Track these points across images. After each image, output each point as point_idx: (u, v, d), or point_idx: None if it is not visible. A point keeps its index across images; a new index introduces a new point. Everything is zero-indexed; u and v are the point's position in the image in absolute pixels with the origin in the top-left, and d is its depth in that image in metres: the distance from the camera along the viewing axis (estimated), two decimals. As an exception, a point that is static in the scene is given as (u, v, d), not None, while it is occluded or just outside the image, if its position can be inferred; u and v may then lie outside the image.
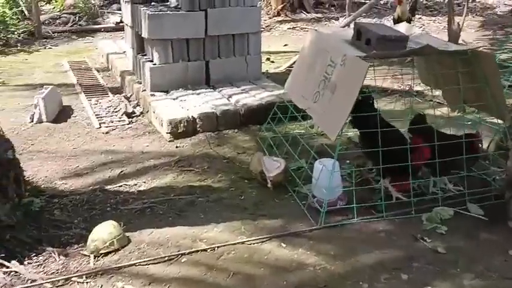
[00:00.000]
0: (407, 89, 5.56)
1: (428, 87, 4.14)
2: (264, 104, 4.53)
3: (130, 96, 5.30)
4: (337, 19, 9.88)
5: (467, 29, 7.19)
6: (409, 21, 7.31)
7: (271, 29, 9.27)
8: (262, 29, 9.21)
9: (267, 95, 4.78)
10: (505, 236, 2.83)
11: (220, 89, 4.95)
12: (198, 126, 4.30)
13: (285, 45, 7.92)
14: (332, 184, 3.05)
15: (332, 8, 11.03)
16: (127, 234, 2.84)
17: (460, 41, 7.01)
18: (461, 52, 2.95)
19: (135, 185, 3.50)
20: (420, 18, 9.61)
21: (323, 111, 3.15)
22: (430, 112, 4.64)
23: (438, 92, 4.19)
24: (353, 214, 2.99)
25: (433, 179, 3.30)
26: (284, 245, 2.77)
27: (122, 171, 3.71)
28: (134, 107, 4.96)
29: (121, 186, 3.48)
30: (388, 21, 9.14)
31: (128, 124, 4.64)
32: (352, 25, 7.13)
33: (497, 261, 2.62)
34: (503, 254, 2.67)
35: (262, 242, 2.81)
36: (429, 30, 8.87)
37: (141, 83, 5.16)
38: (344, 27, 6.74)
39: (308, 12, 10.55)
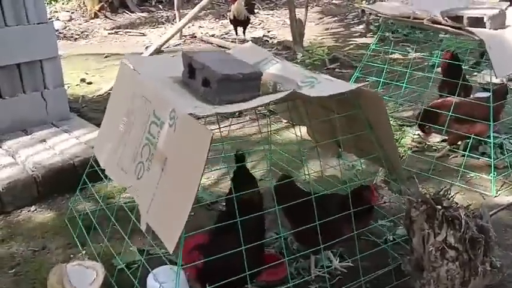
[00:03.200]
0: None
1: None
2: (72, 162, 3.22)
3: None
4: (168, 20, 8.64)
5: (307, 22, 6.56)
6: (247, 21, 6.55)
7: (88, 35, 7.70)
8: (78, 36, 7.69)
9: (74, 143, 3.47)
10: None
11: (6, 141, 3.51)
12: (-31, 211, 2.88)
13: (106, 56, 6.42)
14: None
15: (159, 6, 9.75)
16: None
17: (304, 39, 6.39)
18: (336, 95, 2.05)
19: None
20: (258, 13, 8.85)
21: (151, 196, 2.03)
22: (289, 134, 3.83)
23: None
24: None
25: (315, 257, 2.45)
26: None
27: None
28: None
29: None
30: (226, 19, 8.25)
31: None
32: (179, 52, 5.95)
33: None
34: None
35: None
36: (269, 27, 8.17)
37: None
38: (161, 47, 5.52)
39: (132, 12, 9.14)
